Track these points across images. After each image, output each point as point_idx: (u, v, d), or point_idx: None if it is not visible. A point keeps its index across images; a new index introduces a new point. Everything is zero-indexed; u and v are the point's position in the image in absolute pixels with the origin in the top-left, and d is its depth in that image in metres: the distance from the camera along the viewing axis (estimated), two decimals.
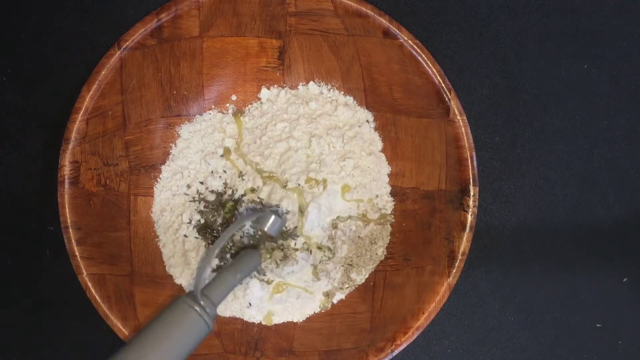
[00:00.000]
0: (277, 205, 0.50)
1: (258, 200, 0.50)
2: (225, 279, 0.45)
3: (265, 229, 0.48)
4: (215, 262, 0.51)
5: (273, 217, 0.48)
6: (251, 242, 0.50)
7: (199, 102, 0.53)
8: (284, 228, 0.50)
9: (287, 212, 0.50)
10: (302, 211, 0.51)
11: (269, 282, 0.51)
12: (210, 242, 0.51)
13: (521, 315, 0.55)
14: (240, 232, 0.50)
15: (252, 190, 0.51)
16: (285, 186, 0.51)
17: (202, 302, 0.43)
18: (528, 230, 0.55)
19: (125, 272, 0.50)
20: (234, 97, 0.53)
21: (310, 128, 0.52)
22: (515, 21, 0.55)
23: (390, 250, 0.53)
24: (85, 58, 0.53)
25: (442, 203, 0.51)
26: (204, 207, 0.52)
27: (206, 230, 0.51)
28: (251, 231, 0.50)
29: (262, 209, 0.50)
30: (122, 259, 0.51)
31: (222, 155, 0.53)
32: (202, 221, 0.51)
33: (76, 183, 0.49)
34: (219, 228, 0.51)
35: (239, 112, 0.53)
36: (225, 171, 0.52)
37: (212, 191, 0.52)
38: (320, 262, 0.52)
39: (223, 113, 0.53)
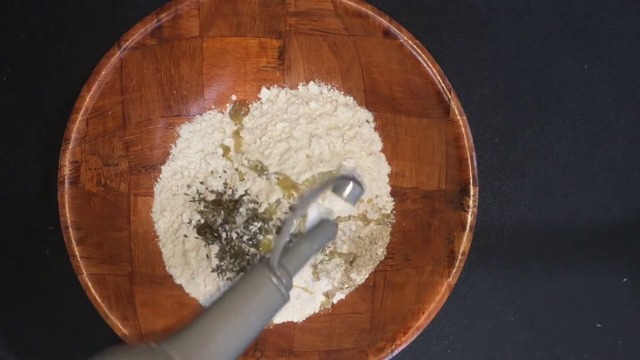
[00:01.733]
0: (357, 174, 0.49)
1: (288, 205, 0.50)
2: (302, 249, 0.45)
3: (345, 196, 0.47)
4: (215, 262, 0.51)
5: (351, 183, 0.47)
6: (252, 242, 0.50)
7: (199, 102, 0.53)
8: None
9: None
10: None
11: None
12: (210, 242, 0.51)
13: (521, 315, 0.55)
14: (240, 232, 0.50)
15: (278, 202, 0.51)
16: (287, 185, 0.51)
17: (278, 273, 0.42)
18: (528, 230, 0.55)
19: (125, 272, 0.50)
20: (234, 97, 0.53)
21: (310, 128, 0.52)
22: (515, 21, 0.55)
23: (390, 250, 0.53)
24: (85, 58, 0.53)
25: (442, 203, 0.51)
26: (204, 207, 0.52)
27: (206, 230, 0.51)
28: (252, 231, 0.50)
29: (339, 177, 0.49)
30: (122, 259, 0.51)
31: (222, 155, 0.53)
32: (202, 221, 0.51)
33: (76, 183, 0.49)
34: (219, 228, 0.51)
35: (239, 111, 0.53)
36: (225, 171, 0.52)
37: (212, 191, 0.52)
38: (320, 262, 0.52)
39: (223, 113, 0.53)
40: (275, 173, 0.51)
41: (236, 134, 0.53)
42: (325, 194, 0.49)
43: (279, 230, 0.51)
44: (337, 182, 0.48)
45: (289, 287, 0.42)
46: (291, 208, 0.50)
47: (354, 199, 0.48)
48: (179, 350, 0.39)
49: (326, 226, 0.48)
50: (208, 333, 0.39)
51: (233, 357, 0.40)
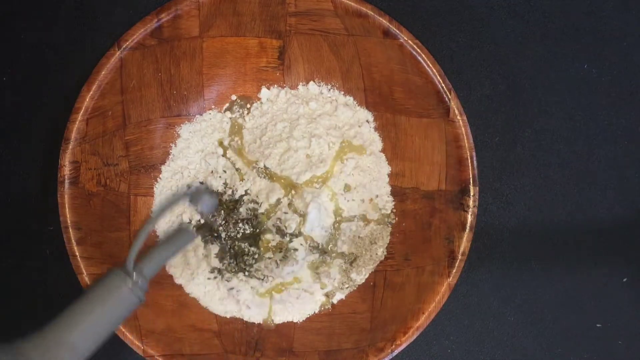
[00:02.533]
0: (207, 184, 0.51)
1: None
2: (158, 253, 0.46)
3: (201, 209, 0.48)
4: (215, 262, 0.51)
5: (208, 197, 0.48)
6: (252, 241, 0.51)
7: (199, 102, 0.53)
8: (284, 228, 0.51)
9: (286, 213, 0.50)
10: (299, 213, 0.51)
11: (261, 295, 0.51)
12: (210, 242, 0.51)
13: (521, 315, 0.55)
14: (236, 231, 0.51)
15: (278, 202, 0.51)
16: (287, 185, 0.51)
17: (134, 276, 0.43)
18: (528, 230, 0.55)
19: None
20: (233, 97, 0.53)
21: (310, 128, 0.52)
22: (515, 21, 0.55)
23: (390, 250, 0.53)
24: (85, 58, 0.53)
25: (442, 203, 0.51)
26: None
27: (206, 230, 0.51)
28: (252, 231, 0.50)
29: (196, 187, 0.50)
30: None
31: (222, 155, 0.53)
32: (202, 221, 0.51)
33: (76, 183, 0.49)
34: (219, 228, 0.51)
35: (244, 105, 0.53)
36: (225, 171, 0.52)
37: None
38: (320, 262, 0.52)
39: (223, 113, 0.53)
40: (265, 168, 0.51)
41: (236, 134, 0.53)
42: (182, 205, 0.51)
43: (279, 229, 0.51)
44: (191, 192, 0.49)
45: (143, 288, 0.44)
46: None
47: (209, 209, 0.49)
48: (36, 347, 0.41)
49: (184, 232, 0.48)
50: (63, 331, 0.42)
51: (88, 354, 0.42)
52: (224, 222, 0.51)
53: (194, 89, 0.52)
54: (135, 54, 0.50)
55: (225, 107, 0.53)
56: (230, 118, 0.53)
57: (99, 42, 0.53)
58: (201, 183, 0.52)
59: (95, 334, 0.42)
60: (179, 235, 0.47)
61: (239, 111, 0.53)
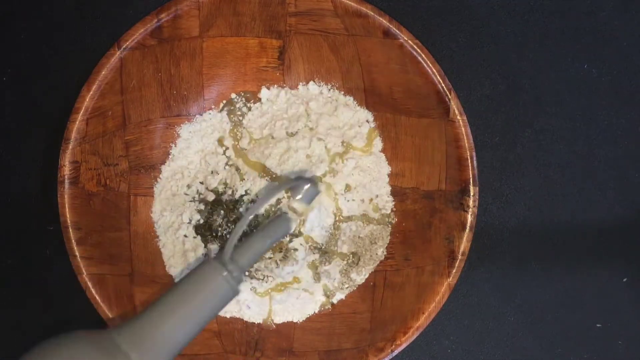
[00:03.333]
0: (313, 175, 0.50)
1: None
2: (255, 243, 0.45)
3: (299, 197, 0.48)
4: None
5: (310, 186, 0.48)
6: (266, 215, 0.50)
7: (199, 102, 0.53)
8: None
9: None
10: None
11: (261, 295, 0.51)
12: (210, 242, 0.51)
13: (521, 315, 0.55)
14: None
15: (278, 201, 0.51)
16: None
17: (230, 267, 0.43)
18: (528, 230, 0.55)
19: (125, 272, 0.50)
20: (233, 95, 0.53)
21: (310, 128, 0.52)
22: (515, 21, 0.55)
23: (390, 250, 0.53)
24: (85, 58, 0.53)
25: (442, 203, 0.51)
26: (204, 207, 0.52)
27: (206, 230, 0.51)
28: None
29: (297, 178, 0.49)
30: (122, 259, 0.51)
31: (222, 155, 0.53)
32: (202, 221, 0.51)
33: (76, 183, 0.49)
34: (219, 228, 0.51)
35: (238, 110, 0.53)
36: (225, 170, 0.52)
37: (212, 191, 0.52)
38: (320, 262, 0.52)
39: (222, 112, 0.53)
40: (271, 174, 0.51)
41: (236, 133, 0.53)
42: (282, 194, 0.49)
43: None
44: (294, 183, 0.48)
45: (239, 280, 0.43)
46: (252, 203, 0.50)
47: (309, 198, 0.48)
48: (126, 337, 0.40)
49: (281, 221, 0.48)
50: (156, 322, 0.40)
51: (180, 347, 0.41)
52: (224, 222, 0.51)
53: (194, 89, 0.52)
54: (135, 54, 0.50)
55: (223, 103, 0.53)
56: (230, 118, 0.53)
57: (99, 42, 0.53)
58: (303, 177, 0.50)
59: (189, 326, 0.41)
60: (277, 224, 0.47)
61: (239, 111, 0.53)
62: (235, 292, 0.43)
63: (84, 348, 0.39)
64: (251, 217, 0.45)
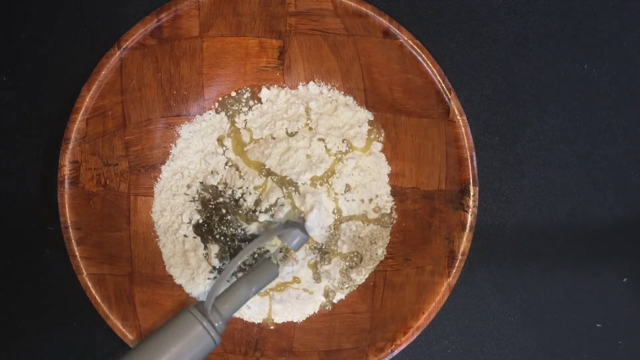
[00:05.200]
0: (302, 220, 0.49)
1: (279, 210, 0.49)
2: (239, 291, 0.44)
3: (290, 245, 0.47)
4: (215, 262, 0.51)
5: (299, 233, 0.47)
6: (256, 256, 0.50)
7: (199, 102, 0.53)
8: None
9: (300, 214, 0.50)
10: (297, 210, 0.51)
11: (261, 294, 0.51)
12: (209, 242, 0.51)
13: (521, 315, 0.55)
14: (239, 232, 0.50)
15: (273, 205, 0.50)
16: (286, 185, 0.51)
17: (210, 317, 0.42)
18: (528, 230, 0.55)
19: (125, 272, 0.50)
20: (233, 94, 0.53)
21: (310, 127, 0.52)
22: (515, 21, 0.55)
23: (390, 250, 0.53)
24: (85, 58, 0.53)
25: (442, 203, 0.51)
26: (204, 207, 0.52)
27: (205, 230, 0.51)
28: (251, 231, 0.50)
29: (287, 224, 0.48)
30: (122, 259, 0.51)
31: (222, 154, 0.53)
32: (202, 221, 0.51)
33: (76, 183, 0.49)
34: (219, 228, 0.51)
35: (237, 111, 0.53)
36: (225, 170, 0.52)
37: (212, 191, 0.52)
38: (320, 262, 0.52)
39: (219, 113, 0.53)
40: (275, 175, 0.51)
41: (236, 133, 0.53)
42: (272, 240, 0.48)
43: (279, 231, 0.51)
44: (284, 230, 0.47)
45: (220, 330, 0.42)
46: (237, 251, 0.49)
47: (298, 246, 0.48)
48: None
49: (267, 267, 0.47)
50: None
51: None
52: (223, 222, 0.51)
53: (194, 89, 0.52)
54: (135, 54, 0.50)
55: (224, 104, 0.53)
56: (230, 118, 0.53)
57: (99, 42, 0.53)
58: (293, 222, 0.49)
59: None
60: (263, 270, 0.45)
61: (239, 111, 0.53)
62: (216, 343, 0.42)
63: None
64: (235, 267, 0.43)
